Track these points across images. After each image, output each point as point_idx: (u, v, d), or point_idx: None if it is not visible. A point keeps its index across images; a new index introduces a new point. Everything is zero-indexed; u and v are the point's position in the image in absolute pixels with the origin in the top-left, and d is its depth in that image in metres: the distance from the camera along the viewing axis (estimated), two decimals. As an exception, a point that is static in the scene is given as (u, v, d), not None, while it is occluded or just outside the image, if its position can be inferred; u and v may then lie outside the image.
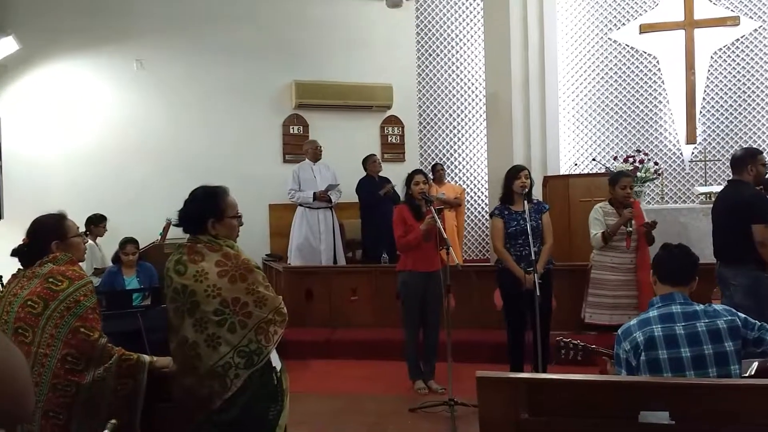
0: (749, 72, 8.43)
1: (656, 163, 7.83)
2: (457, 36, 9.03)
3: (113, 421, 2.10)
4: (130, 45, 7.72)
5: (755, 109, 8.44)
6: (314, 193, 6.98)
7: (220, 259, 2.43)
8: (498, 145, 7.73)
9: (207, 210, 2.50)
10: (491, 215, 4.63)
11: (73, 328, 2.30)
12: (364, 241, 7.51)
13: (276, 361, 2.49)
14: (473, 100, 9.03)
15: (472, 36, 9.02)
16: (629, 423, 1.93)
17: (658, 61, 8.57)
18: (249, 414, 2.38)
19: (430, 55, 8.97)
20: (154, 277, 5.31)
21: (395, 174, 7.37)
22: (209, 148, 7.86)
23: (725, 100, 8.49)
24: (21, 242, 2.57)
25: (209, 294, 2.37)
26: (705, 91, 8.45)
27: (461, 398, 4.06)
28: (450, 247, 4.19)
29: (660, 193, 8.08)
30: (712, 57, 8.44)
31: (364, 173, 7.49)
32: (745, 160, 4.09)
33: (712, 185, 7.73)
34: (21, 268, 2.51)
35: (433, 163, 8.25)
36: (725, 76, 8.47)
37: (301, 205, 7.10)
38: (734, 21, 8.25)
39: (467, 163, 9.04)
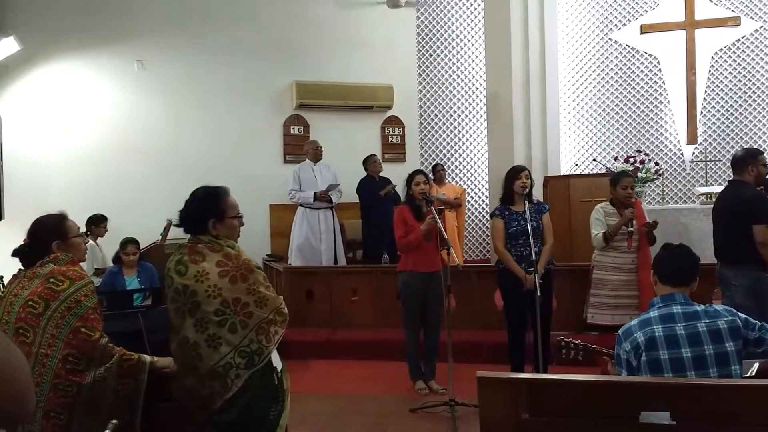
0: (750, 72, 8.43)
1: (657, 164, 7.83)
2: (457, 36, 9.03)
3: (114, 421, 2.10)
4: (130, 45, 7.72)
5: (756, 109, 8.43)
6: (315, 193, 6.98)
7: (221, 259, 2.43)
8: (498, 146, 7.73)
9: (208, 210, 2.50)
10: (492, 216, 4.63)
11: (74, 328, 2.30)
12: (365, 241, 7.51)
13: (277, 361, 2.49)
14: (474, 100, 9.02)
15: (472, 36, 9.02)
16: (630, 423, 1.93)
17: (658, 62, 8.57)
18: (250, 414, 2.38)
19: (431, 55, 8.97)
20: (154, 277, 5.32)
21: (396, 174, 7.36)
22: (210, 149, 7.86)
23: (726, 101, 8.48)
24: (22, 242, 2.58)
25: (210, 294, 2.37)
26: (706, 91, 8.44)
27: (462, 398, 4.06)
28: (451, 248, 4.19)
29: (660, 193, 8.08)
30: (712, 57, 8.43)
31: (365, 173, 7.49)
32: (745, 160, 4.09)
33: (713, 186, 7.73)
34: (22, 268, 2.51)
35: (433, 164, 8.25)
36: (726, 76, 8.47)
37: (301, 205, 7.10)
38: (735, 21, 8.25)
39: (468, 163, 9.04)
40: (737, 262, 4.01)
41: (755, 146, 7.72)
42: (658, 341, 2.31)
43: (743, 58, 8.43)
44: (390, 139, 8.76)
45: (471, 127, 9.04)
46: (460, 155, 9.03)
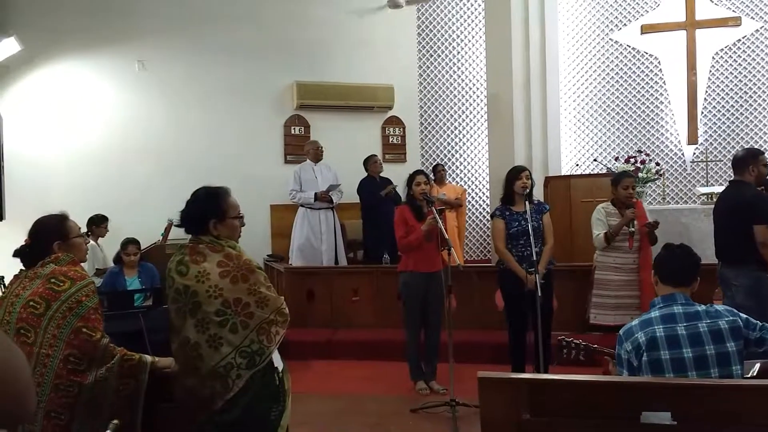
0: (751, 72, 8.42)
1: (658, 164, 7.83)
2: (458, 36, 9.03)
3: (115, 421, 2.10)
4: (131, 45, 7.72)
5: (756, 109, 8.43)
6: (315, 193, 6.98)
7: (222, 259, 2.44)
8: (499, 146, 7.74)
9: (209, 210, 2.50)
10: (492, 216, 4.63)
11: (75, 329, 2.30)
12: (366, 241, 7.51)
13: (278, 361, 2.50)
14: (474, 100, 9.02)
15: (473, 36, 9.02)
16: (631, 423, 1.93)
17: (659, 62, 8.57)
18: (251, 414, 2.38)
19: (431, 55, 8.97)
20: (155, 277, 5.31)
21: (396, 174, 7.36)
22: (210, 149, 7.86)
23: (727, 101, 8.48)
24: (23, 243, 2.58)
25: (211, 294, 2.37)
26: (706, 91, 8.44)
27: (463, 399, 4.06)
28: (451, 248, 4.19)
29: (661, 193, 8.08)
30: (713, 57, 8.43)
31: (366, 174, 7.49)
32: (746, 160, 4.09)
33: (714, 186, 7.73)
34: (23, 268, 2.51)
35: (434, 164, 8.25)
36: (726, 76, 8.46)
37: (302, 205, 7.10)
38: (736, 21, 8.25)
39: (468, 163, 9.04)
40: (738, 262, 4.01)
41: (756, 146, 7.72)
42: (659, 341, 2.31)
43: (744, 59, 8.43)
44: (390, 139, 8.76)
45: (471, 128, 9.04)
46: (461, 155, 9.02)
